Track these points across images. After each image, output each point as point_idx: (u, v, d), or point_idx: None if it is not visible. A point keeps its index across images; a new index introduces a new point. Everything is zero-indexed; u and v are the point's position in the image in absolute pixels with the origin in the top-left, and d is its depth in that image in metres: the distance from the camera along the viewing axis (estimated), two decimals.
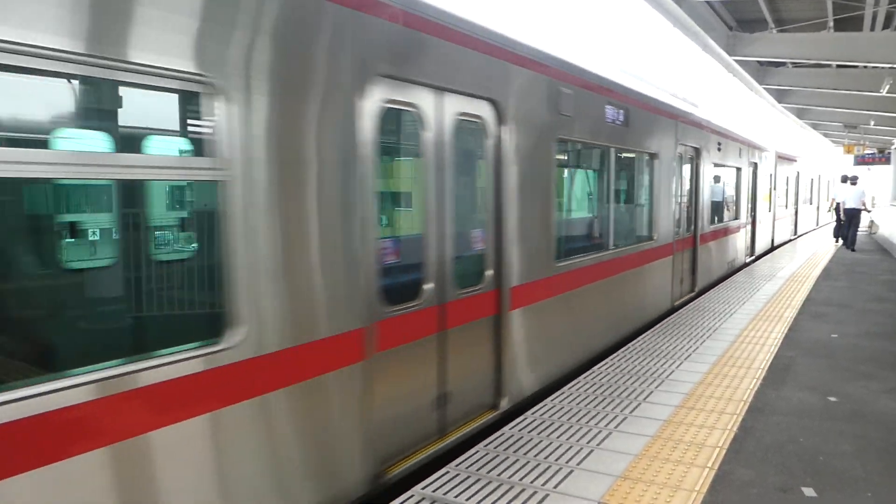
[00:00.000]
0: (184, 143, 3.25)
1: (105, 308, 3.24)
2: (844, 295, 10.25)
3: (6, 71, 2.35)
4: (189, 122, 3.10)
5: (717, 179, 11.79)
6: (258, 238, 3.05)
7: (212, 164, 2.88)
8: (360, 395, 3.64)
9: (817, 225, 28.50)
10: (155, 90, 2.81)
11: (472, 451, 4.22)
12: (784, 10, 11.43)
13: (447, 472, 3.91)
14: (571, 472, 3.89)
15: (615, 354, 6.55)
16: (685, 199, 9.87)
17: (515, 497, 3.58)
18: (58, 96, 2.76)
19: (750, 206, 14.85)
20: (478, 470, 3.93)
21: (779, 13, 11.54)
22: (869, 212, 17.30)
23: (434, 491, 3.65)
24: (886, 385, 5.63)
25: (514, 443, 4.34)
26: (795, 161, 21.10)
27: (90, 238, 3.45)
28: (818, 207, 28.57)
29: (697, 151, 10.21)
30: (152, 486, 2.69)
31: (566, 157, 6.67)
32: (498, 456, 4.13)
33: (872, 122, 21.20)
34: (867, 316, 8.62)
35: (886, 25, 11.05)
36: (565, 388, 5.51)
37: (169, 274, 3.43)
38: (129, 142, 3.16)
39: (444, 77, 4.31)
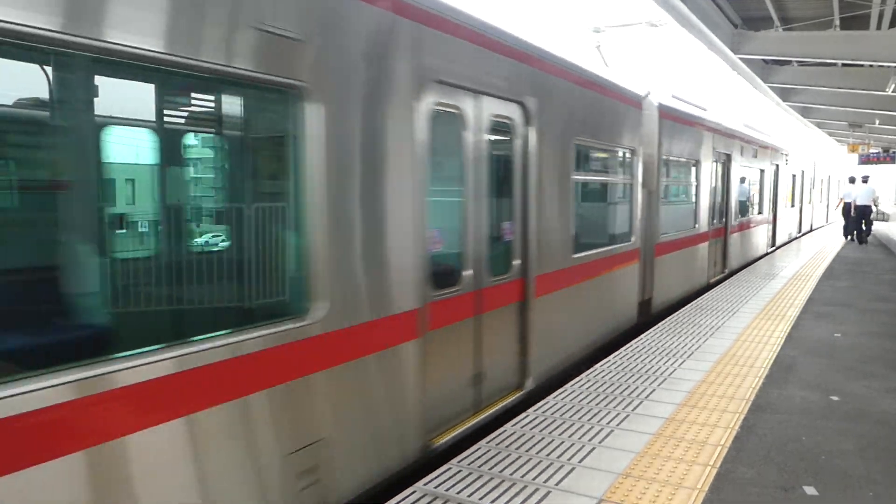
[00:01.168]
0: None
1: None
2: (848, 294, 10.24)
3: None
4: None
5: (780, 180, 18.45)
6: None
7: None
8: (720, 250, 12.25)
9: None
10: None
11: (475, 447, 4.23)
12: (790, 8, 11.38)
13: (449, 468, 3.92)
14: (573, 469, 3.90)
15: (617, 353, 6.56)
16: (771, 193, 17.07)
17: (517, 494, 3.59)
18: None
19: (800, 198, 22.24)
20: (480, 466, 3.94)
21: (785, 11, 11.49)
22: (877, 207, 20.09)
23: (436, 487, 3.66)
24: (889, 384, 5.62)
25: (517, 440, 4.35)
26: (827, 167, 29.60)
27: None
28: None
29: (777, 166, 17.32)
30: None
31: (752, 177, 14.65)
32: (500, 453, 4.14)
33: (877, 122, 21.13)
34: (870, 315, 8.60)
35: (893, 24, 10.99)
36: (567, 385, 5.52)
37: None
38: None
39: (751, 161, 13.86)
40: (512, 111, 5.12)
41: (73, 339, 2.78)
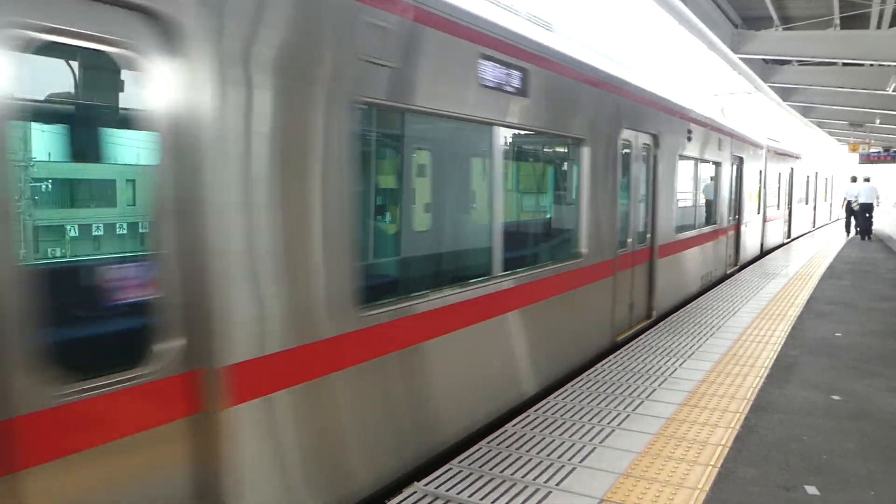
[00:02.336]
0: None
1: None
2: (849, 293, 10.22)
3: None
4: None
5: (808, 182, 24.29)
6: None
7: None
8: (788, 225, 20.22)
9: None
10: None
11: (475, 447, 4.23)
12: (790, 8, 11.36)
13: (450, 468, 3.91)
14: (574, 469, 3.89)
15: (618, 352, 6.54)
16: (813, 192, 24.51)
17: (518, 494, 3.58)
18: None
19: (830, 196, 31.37)
20: (480, 467, 3.93)
21: (785, 10, 11.47)
22: (878, 205, 22.94)
23: (436, 488, 3.66)
24: (891, 384, 5.61)
25: (517, 440, 4.34)
26: (848, 172, 35.97)
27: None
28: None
29: (817, 173, 25.04)
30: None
31: (803, 181, 22.64)
32: (501, 453, 4.13)
33: (878, 121, 21.10)
34: (872, 314, 8.59)
35: (893, 23, 10.97)
36: (567, 385, 5.51)
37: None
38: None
39: (804, 170, 22.33)
40: (737, 161, 12.50)
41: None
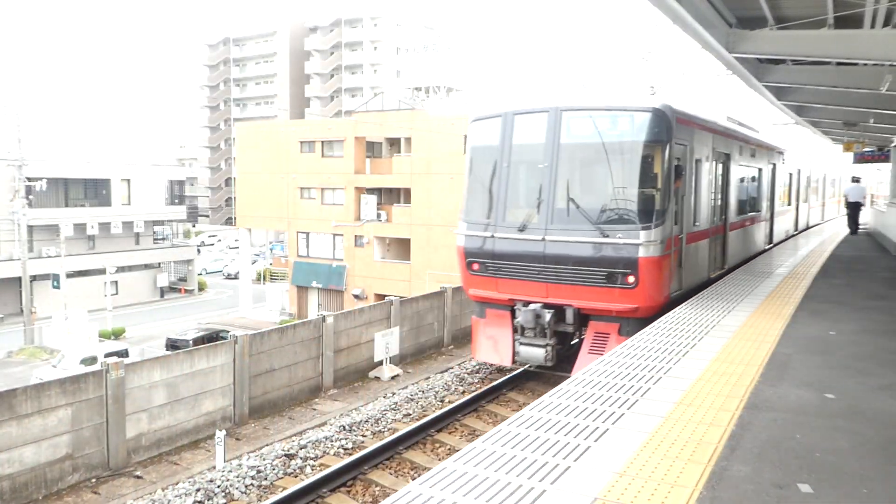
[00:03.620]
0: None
1: None
2: (843, 292, 10.26)
3: None
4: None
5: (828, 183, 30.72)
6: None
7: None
8: (821, 212, 28.95)
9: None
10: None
11: (469, 447, 4.23)
12: (784, 8, 11.39)
13: (444, 468, 3.92)
14: (568, 468, 3.90)
15: (613, 351, 6.55)
16: (837, 190, 33.50)
17: (512, 493, 3.59)
18: None
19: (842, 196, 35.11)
20: (475, 466, 3.93)
21: (779, 10, 11.49)
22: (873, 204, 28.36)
23: (431, 487, 3.66)
24: (883, 382, 5.64)
25: (511, 439, 4.35)
26: (868, 175, 40.44)
27: None
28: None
29: (840, 177, 32.87)
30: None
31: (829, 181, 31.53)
32: (495, 452, 4.14)
33: (872, 120, 21.17)
34: (866, 313, 8.62)
35: (887, 23, 11.01)
36: (563, 384, 5.52)
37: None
38: None
39: (832, 174, 31.15)
40: (793, 169, 19.87)
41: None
